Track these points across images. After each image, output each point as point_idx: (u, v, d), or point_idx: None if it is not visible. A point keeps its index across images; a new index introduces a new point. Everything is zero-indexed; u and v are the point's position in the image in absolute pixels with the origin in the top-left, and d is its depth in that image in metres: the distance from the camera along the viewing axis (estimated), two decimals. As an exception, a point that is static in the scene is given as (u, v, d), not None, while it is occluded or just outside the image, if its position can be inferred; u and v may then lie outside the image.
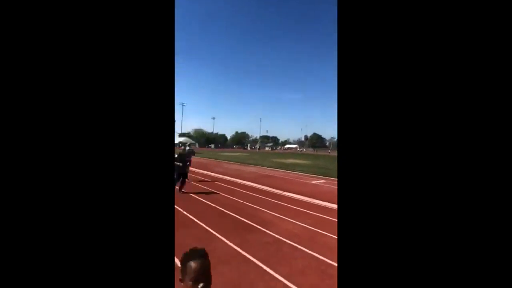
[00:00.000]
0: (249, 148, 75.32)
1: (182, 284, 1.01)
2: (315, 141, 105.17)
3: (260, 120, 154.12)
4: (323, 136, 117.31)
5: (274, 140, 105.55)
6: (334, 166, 19.39)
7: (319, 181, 11.60)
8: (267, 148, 76.46)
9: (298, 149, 72.13)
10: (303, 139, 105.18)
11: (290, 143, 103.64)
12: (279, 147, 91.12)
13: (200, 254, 1.03)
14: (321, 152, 59.84)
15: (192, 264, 0.99)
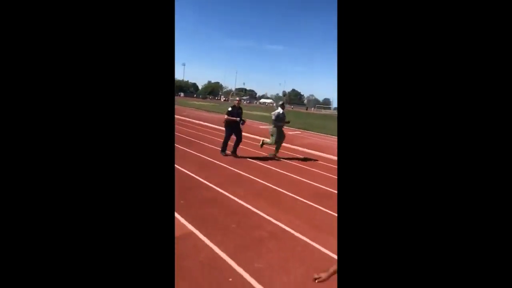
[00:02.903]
0: (222, 100, 70.81)
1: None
2: (293, 97, 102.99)
3: (236, 72, 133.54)
4: (302, 93, 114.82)
5: (251, 94, 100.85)
6: (308, 121, 21.49)
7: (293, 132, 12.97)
8: (244, 102, 72.07)
9: (273, 104, 67.39)
10: (281, 94, 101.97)
11: (268, 98, 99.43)
12: (255, 101, 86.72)
13: None
14: (298, 109, 57.93)
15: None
